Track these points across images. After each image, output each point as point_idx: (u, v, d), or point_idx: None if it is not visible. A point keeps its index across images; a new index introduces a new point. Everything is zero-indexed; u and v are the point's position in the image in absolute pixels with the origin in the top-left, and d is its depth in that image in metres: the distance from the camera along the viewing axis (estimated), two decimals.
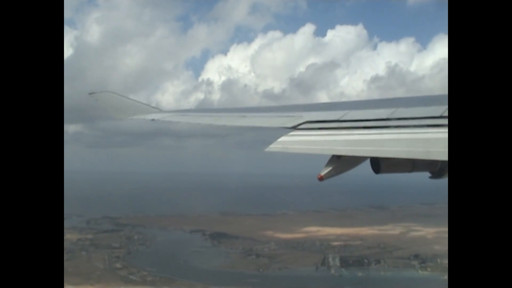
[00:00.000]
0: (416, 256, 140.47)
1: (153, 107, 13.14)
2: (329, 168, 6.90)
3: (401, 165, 7.60)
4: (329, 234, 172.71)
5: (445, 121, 6.37)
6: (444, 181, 7.13)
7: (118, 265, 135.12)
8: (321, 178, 6.89)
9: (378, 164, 7.54)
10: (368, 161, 7.49)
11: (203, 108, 14.47)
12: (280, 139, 7.43)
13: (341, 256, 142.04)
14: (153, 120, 11.45)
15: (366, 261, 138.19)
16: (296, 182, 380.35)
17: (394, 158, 6.86)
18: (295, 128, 7.94)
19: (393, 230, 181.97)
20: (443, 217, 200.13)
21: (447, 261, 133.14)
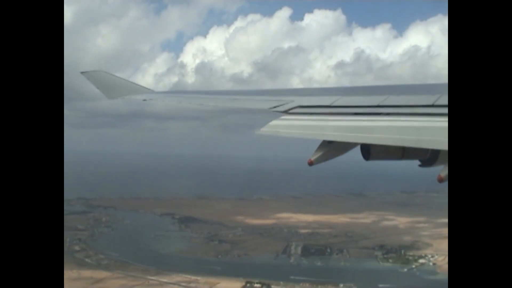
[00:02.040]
0: (381, 247, 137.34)
1: (144, 87, 13.27)
2: (320, 153, 6.98)
3: (391, 152, 7.37)
4: (300, 221, 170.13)
5: (437, 110, 6.41)
6: (431, 170, 7.11)
7: (76, 248, 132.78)
8: (311, 163, 6.95)
9: (368, 151, 7.32)
10: (358, 147, 7.30)
11: (195, 90, 13.25)
12: (271, 123, 7.49)
13: (305, 245, 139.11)
14: (144, 100, 11.51)
15: (328, 250, 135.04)
16: (282, 167, 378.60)
17: (385, 145, 6.78)
18: (286, 112, 7.98)
19: (366, 218, 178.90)
20: (419, 206, 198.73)
21: (410, 253, 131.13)
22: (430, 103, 6.74)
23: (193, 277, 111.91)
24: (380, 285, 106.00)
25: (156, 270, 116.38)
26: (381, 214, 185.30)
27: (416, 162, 7.65)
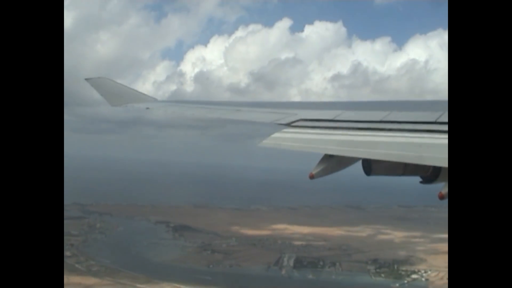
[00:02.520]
0: (375, 261, 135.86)
1: (147, 96, 13.33)
2: (321, 167, 7.01)
3: (392, 168, 7.39)
4: (295, 233, 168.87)
5: (439, 127, 6.43)
6: (432, 186, 7.05)
7: (68, 253, 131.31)
8: (312, 177, 7.00)
9: (370, 166, 7.35)
10: (359, 162, 7.36)
11: (197, 100, 14.57)
12: (273, 135, 7.55)
13: (298, 257, 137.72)
14: (147, 108, 11.51)
15: (321, 263, 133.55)
16: (282, 178, 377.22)
17: (386, 160, 6.73)
18: (289, 125, 8.00)
19: (361, 232, 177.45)
20: (417, 221, 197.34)
21: (403, 268, 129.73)
22: (433, 119, 6.77)
23: (182, 286, 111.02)
24: None
25: (146, 278, 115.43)
26: (377, 228, 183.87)
27: (418, 178, 7.61)
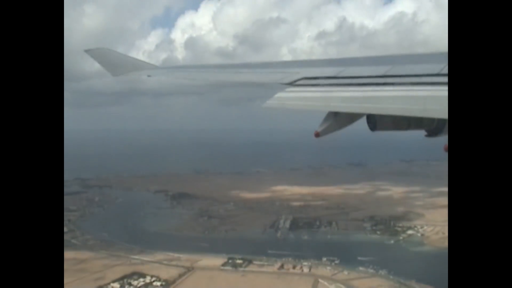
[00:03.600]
0: (371, 218, 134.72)
1: (148, 63, 13.23)
2: (326, 125, 7.03)
3: (397, 123, 7.34)
4: (294, 194, 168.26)
5: (443, 79, 6.34)
6: (436, 139, 7.05)
7: (65, 229, 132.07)
8: (317, 135, 6.99)
9: (375, 121, 7.26)
10: (364, 118, 7.26)
11: (198, 64, 15.17)
12: (276, 95, 7.51)
13: (294, 218, 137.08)
14: (149, 76, 11.45)
15: (317, 223, 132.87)
16: (285, 139, 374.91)
17: (391, 115, 6.83)
18: (292, 84, 7.97)
19: (361, 189, 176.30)
20: (417, 175, 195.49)
21: (400, 224, 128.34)
22: (436, 72, 6.65)
23: (176, 255, 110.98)
24: (359, 258, 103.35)
25: (140, 248, 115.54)
26: (377, 184, 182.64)
27: (423, 132, 7.51)
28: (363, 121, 7.33)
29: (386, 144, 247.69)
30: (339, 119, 7.10)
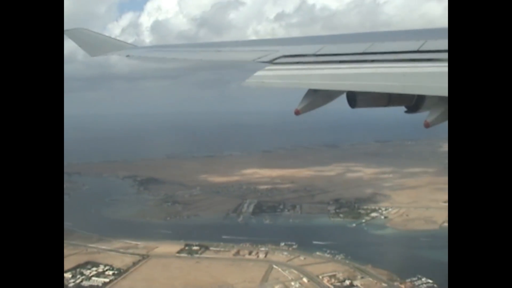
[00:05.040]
0: (336, 201, 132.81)
1: (127, 43, 13.38)
2: (306, 102, 6.96)
3: (377, 100, 7.33)
4: (263, 177, 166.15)
5: (422, 56, 6.46)
6: (415, 116, 7.08)
7: None
8: (297, 112, 6.95)
9: (355, 98, 7.22)
10: (344, 95, 7.27)
11: (177, 44, 15.29)
12: (256, 73, 7.47)
13: (259, 202, 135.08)
14: (128, 56, 11.49)
15: (281, 207, 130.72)
16: (260, 121, 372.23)
17: (370, 92, 6.80)
18: (271, 62, 7.98)
19: (331, 171, 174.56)
20: (390, 156, 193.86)
21: (365, 207, 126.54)
22: (415, 48, 6.75)
23: (134, 242, 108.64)
24: (318, 243, 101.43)
25: (99, 236, 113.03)
26: (348, 165, 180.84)
27: (402, 109, 7.45)
28: (343, 99, 7.22)
29: (363, 125, 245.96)
30: (319, 97, 6.99)
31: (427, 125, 5.75)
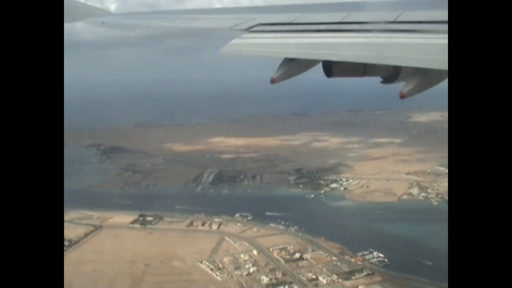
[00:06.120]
0: (298, 171, 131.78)
1: (102, 9, 13.51)
2: (282, 71, 7.02)
3: (353, 69, 7.33)
4: (228, 146, 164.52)
5: (399, 26, 6.44)
6: (390, 86, 7.03)
7: None
8: (273, 81, 7.01)
9: (331, 68, 7.25)
10: (320, 65, 7.31)
11: (153, 11, 14.28)
12: (232, 42, 7.48)
13: (219, 171, 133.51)
14: (103, 23, 11.52)
15: (241, 177, 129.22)
16: (235, 89, 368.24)
17: (347, 62, 6.80)
18: (247, 30, 8.04)
19: (297, 140, 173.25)
20: (358, 126, 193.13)
21: (325, 177, 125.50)
22: (392, 19, 6.70)
23: (89, 213, 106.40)
24: (273, 214, 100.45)
25: None
26: (315, 135, 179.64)
27: (378, 79, 7.43)
28: (319, 68, 7.19)
29: (335, 93, 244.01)
30: (295, 66, 7.00)
31: (402, 96, 5.76)
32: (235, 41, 7.48)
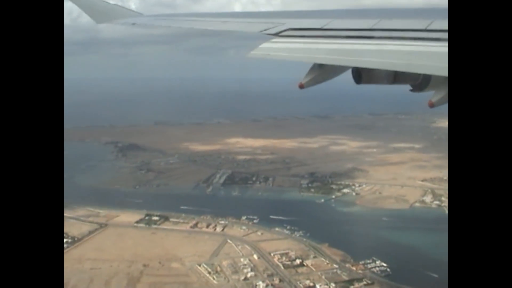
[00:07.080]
0: (311, 174, 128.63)
1: (133, 11, 13.75)
2: (311, 76, 7.11)
3: (382, 77, 7.35)
4: (245, 147, 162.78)
5: (429, 35, 6.40)
6: (420, 95, 6.91)
7: None
8: (301, 86, 7.07)
9: (360, 75, 7.26)
10: (350, 71, 7.28)
11: (181, 13, 16.17)
12: (262, 45, 7.55)
13: (233, 172, 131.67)
14: (134, 24, 11.97)
15: (254, 179, 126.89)
16: (260, 89, 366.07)
17: (376, 69, 6.81)
18: (277, 34, 8.10)
19: (315, 143, 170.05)
20: (379, 129, 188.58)
21: (338, 182, 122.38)
22: (423, 27, 6.70)
23: (96, 210, 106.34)
24: (280, 218, 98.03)
25: (64, 203, 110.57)
26: (334, 138, 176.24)
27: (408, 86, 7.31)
28: (348, 73, 7.15)
29: (360, 96, 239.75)
30: (324, 71, 7.04)
31: (431, 105, 5.71)
32: (265, 44, 7.53)
